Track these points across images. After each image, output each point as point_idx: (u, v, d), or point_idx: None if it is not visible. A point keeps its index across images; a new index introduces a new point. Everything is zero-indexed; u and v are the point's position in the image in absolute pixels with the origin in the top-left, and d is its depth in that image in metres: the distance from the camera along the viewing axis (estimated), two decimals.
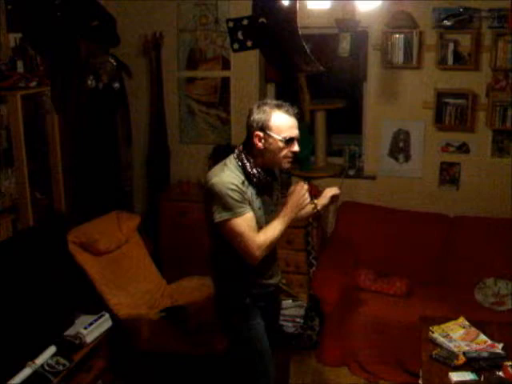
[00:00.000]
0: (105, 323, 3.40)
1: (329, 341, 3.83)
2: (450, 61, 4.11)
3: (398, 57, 4.20)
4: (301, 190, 2.50)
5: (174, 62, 4.70)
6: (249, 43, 3.07)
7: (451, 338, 2.91)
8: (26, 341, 2.97)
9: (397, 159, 4.47)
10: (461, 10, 4.02)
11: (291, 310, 4.12)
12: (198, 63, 4.68)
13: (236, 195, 2.40)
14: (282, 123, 2.45)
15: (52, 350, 3.08)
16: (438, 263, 4.12)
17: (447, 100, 4.21)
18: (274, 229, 2.47)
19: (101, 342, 3.35)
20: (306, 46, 2.77)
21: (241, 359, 2.70)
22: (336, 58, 4.27)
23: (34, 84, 3.48)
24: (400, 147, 4.44)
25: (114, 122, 4.51)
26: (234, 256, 2.49)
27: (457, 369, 2.68)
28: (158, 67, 4.65)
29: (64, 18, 2.98)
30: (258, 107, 2.47)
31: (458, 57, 4.11)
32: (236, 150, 2.55)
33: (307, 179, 4.52)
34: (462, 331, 2.98)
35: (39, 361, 2.97)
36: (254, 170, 2.48)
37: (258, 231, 2.48)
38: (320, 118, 4.59)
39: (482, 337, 2.92)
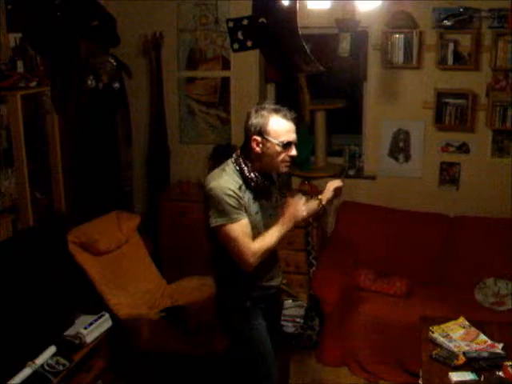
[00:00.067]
0: (105, 323, 3.40)
1: (329, 341, 3.83)
2: (450, 61, 4.11)
3: (398, 57, 4.20)
4: (298, 201, 2.52)
5: (174, 62, 4.70)
6: (249, 43, 3.07)
7: (451, 338, 2.91)
8: (26, 341, 2.97)
9: (397, 159, 4.47)
10: (461, 9, 4.02)
11: (291, 309, 4.12)
12: (198, 63, 4.68)
13: (232, 201, 2.41)
14: (279, 128, 2.46)
15: (52, 350, 3.07)
16: (437, 263, 4.12)
17: (447, 100, 4.21)
18: (271, 237, 2.49)
19: (101, 342, 3.35)
20: (306, 46, 2.77)
21: (242, 360, 2.70)
22: (336, 58, 4.26)
23: (34, 84, 3.48)
24: (400, 147, 4.44)
25: (114, 122, 4.51)
26: (232, 259, 2.50)
27: (457, 369, 2.68)
28: (158, 67, 4.65)
29: (64, 18, 2.98)
30: (256, 111, 2.48)
31: (457, 57, 4.11)
32: (234, 155, 2.56)
33: (307, 179, 4.53)
34: (461, 331, 2.98)
35: (39, 361, 2.97)
36: (252, 175, 2.49)
37: (256, 235, 2.50)
38: (320, 118, 4.59)
39: (482, 337, 2.92)
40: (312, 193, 4.11)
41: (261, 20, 2.89)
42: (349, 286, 3.90)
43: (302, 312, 4.10)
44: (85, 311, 3.44)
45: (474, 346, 2.84)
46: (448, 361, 2.73)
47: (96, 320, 3.34)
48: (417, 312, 3.43)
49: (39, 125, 3.70)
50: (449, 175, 4.39)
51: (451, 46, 4.08)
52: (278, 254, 2.80)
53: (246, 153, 2.52)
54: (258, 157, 2.49)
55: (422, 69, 4.25)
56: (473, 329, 3.00)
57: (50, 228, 3.42)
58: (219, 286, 2.71)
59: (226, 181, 2.45)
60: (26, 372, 2.88)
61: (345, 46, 4.13)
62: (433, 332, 2.96)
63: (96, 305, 3.51)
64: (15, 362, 2.89)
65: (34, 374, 2.90)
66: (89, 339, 3.24)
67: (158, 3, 4.58)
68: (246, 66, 4.54)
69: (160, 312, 3.67)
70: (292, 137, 2.49)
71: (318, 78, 4.46)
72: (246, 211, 2.48)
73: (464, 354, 2.76)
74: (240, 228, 2.43)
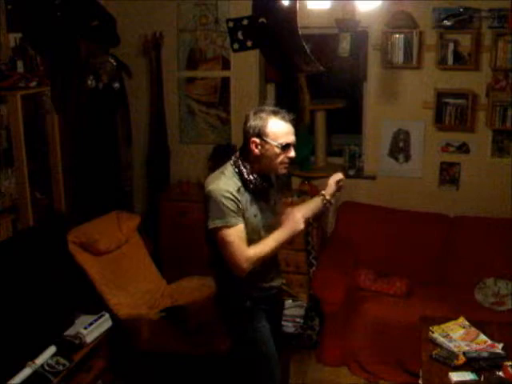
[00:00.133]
0: (105, 323, 3.40)
1: (329, 341, 3.83)
2: (450, 61, 4.11)
3: (398, 57, 4.20)
4: (296, 214, 2.51)
5: (174, 62, 4.69)
6: (249, 43, 3.07)
7: (451, 338, 2.91)
8: (26, 341, 2.97)
9: (397, 159, 4.47)
10: (461, 9, 4.02)
11: (291, 309, 4.12)
12: (198, 63, 4.68)
13: (230, 204, 2.42)
14: (278, 129, 2.47)
15: (52, 350, 3.07)
16: (438, 263, 4.12)
17: (447, 100, 4.21)
18: (267, 246, 2.49)
19: (101, 342, 3.35)
20: (306, 46, 2.78)
21: (245, 361, 2.70)
22: (336, 58, 4.26)
23: (34, 84, 3.48)
24: (400, 147, 4.45)
25: (114, 122, 4.51)
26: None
27: (457, 369, 2.69)
28: (158, 67, 4.65)
29: (64, 17, 2.99)
30: (255, 114, 2.49)
31: (458, 57, 4.11)
32: (233, 157, 2.56)
33: (307, 179, 4.53)
34: (461, 331, 2.98)
35: (39, 361, 2.96)
36: (251, 177, 2.50)
37: (256, 238, 2.51)
38: (320, 118, 4.59)
39: (482, 337, 2.92)
40: (312, 193, 4.12)
41: (261, 20, 2.89)
42: (349, 286, 3.90)
43: (302, 312, 4.10)
44: (85, 311, 3.44)
45: (474, 346, 2.84)
46: (448, 361, 2.73)
47: (96, 320, 3.34)
48: (417, 312, 3.43)
49: (39, 125, 3.70)
50: (449, 175, 4.39)
51: (451, 46, 4.08)
52: (278, 257, 2.80)
53: (245, 155, 2.53)
54: (257, 159, 2.50)
55: (421, 69, 4.26)
56: (473, 329, 3.00)
57: (50, 228, 3.42)
58: (219, 287, 2.71)
59: (225, 183, 2.46)
60: (25, 372, 2.88)
61: (345, 46, 4.13)
62: (433, 332, 2.96)
63: (96, 305, 3.51)
64: (15, 362, 2.88)
65: (34, 373, 2.90)
66: (89, 339, 3.24)
67: (158, 3, 4.58)
68: (246, 66, 4.54)
69: (160, 312, 3.67)
70: (291, 139, 2.50)
71: (318, 77, 4.46)
72: (245, 214, 2.48)
73: (464, 353, 2.76)
74: (236, 233, 2.43)
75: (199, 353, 3.44)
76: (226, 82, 4.65)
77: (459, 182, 4.38)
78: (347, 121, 4.84)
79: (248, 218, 2.50)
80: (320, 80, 4.58)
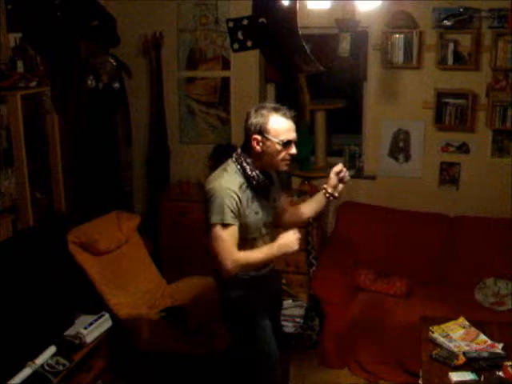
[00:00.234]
0: (105, 323, 3.40)
1: (329, 341, 3.83)
2: (450, 61, 4.11)
3: (398, 57, 4.20)
4: (293, 234, 2.50)
5: (174, 62, 4.69)
6: (249, 43, 3.07)
7: (451, 338, 2.91)
8: (26, 341, 2.97)
9: (397, 159, 4.47)
10: (461, 9, 4.02)
11: (291, 309, 4.12)
12: (198, 63, 4.68)
13: (231, 203, 2.43)
14: (279, 126, 2.47)
15: (52, 350, 3.07)
16: (438, 263, 4.12)
17: (447, 100, 4.21)
18: (255, 255, 2.50)
19: (101, 342, 3.35)
20: (306, 46, 2.78)
21: (246, 361, 2.70)
22: (336, 57, 4.26)
23: (34, 84, 3.48)
24: (400, 147, 4.44)
25: (114, 122, 4.51)
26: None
27: (457, 369, 2.69)
28: (158, 67, 4.65)
29: (64, 17, 2.99)
30: (256, 111, 2.50)
31: (457, 57, 4.11)
32: (234, 154, 2.57)
33: (307, 179, 4.53)
34: (461, 331, 2.98)
35: (39, 361, 2.97)
36: (254, 173, 2.51)
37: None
38: (320, 117, 4.59)
39: (482, 337, 2.92)
40: (312, 193, 4.11)
41: (261, 20, 2.89)
42: (349, 286, 3.90)
43: (302, 312, 4.10)
44: (85, 311, 3.44)
45: (474, 346, 2.84)
46: (448, 361, 2.73)
47: (96, 320, 3.34)
48: (417, 312, 3.43)
49: (39, 125, 3.70)
50: (449, 175, 4.39)
51: (451, 46, 4.08)
52: None
53: (247, 152, 2.53)
54: (258, 155, 2.51)
55: (422, 69, 4.25)
56: (473, 329, 3.00)
57: (50, 228, 3.42)
58: (220, 286, 2.70)
59: (227, 181, 2.47)
60: (26, 372, 2.88)
61: (345, 46, 4.13)
62: (433, 332, 2.96)
63: (96, 305, 3.51)
64: (15, 362, 2.89)
65: (34, 374, 2.90)
66: (89, 339, 3.24)
67: (158, 3, 4.58)
68: (246, 66, 4.54)
69: (160, 312, 3.67)
70: (292, 135, 2.51)
71: (318, 77, 4.46)
72: (245, 211, 2.49)
73: (464, 353, 2.76)
74: (230, 233, 2.44)
75: (199, 353, 3.44)
76: (226, 82, 4.65)
77: (459, 182, 4.38)
78: (347, 121, 4.84)
79: (249, 215, 2.50)
80: (320, 80, 4.57)
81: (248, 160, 2.51)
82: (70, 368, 3.05)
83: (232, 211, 2.43)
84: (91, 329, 3.27)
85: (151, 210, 4.72)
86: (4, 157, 3.37)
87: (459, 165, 4.35)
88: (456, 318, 3.08)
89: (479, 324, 3.04)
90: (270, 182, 2.62)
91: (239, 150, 2.56)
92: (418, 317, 3.24)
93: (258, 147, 2.49)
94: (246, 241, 2.55)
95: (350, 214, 4.42)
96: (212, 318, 2.81)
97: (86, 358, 3.23)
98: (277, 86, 4.79)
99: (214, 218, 2.43)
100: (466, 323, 3.05)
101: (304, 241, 4.18)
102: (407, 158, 4.45)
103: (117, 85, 4.19)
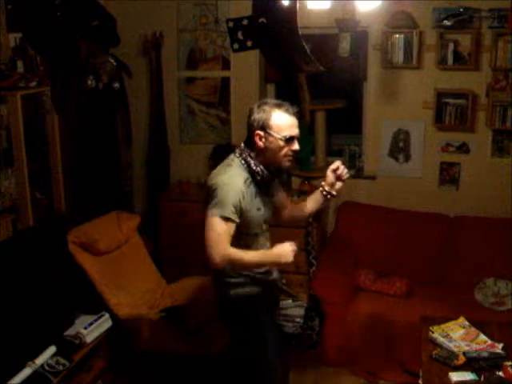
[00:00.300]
0: (105, 323, 3.40)
1: (329, 341, 3.83)
2: (450, 61, 4.11)
3: (398, 57, 4.20)
4: (289, 246, 2.50)
5: (174, 62, 4.69)
6: (249, 43, 3.07)
7: (451, 338, 2.91)
8: (26, 341, 2.97)
9: (397, 159, 4.47)
10: (461, 9, 4.02)
11: (291, 309, 4.12)
12: (198, 63, 4.68)
13: (234, 198, 2.42)
14: (282, 122, 2.47)
15: (52, 350, 3.08)
16: (437, 263, 4.12)
17: (447, 100, 4.21)
18: (248, 258, 2.48)
19: (101, 342, 3.35)
20: (306, 46, 2.77)
21: (246, 361, 2.70)
22: (336, 57, 4.26)
23: (34, 84, 3.48)
24: (400, 147, 4.44)
25: (114, 122, 4.51)
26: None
27: (457, 369, 2.69)
28: (158, 67, 4.65)
29: (64, 17, 2.99)
30: (259, 107, 2.50)
31: (458, 57, 4.11)
32: (237, 150, 2.56)
33: (307, 179, 4.53)
34: (461, 331, 2.98)
35: (39, 361, 2.97)
36: (258, 168, 2.51)
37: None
38: (320, 117, 4.59)
39: (482, 337, 2.92)
40: (312, 193, 4.11)
41: (261, 20, 2.89)
42: (349, 286, 3.90)
43: (302, 312, 4.10)
44: (85, 311, 3.44)
45: (474, 346, 2.84)
46: (448, 361, 2.73)
47: (96, 320, 3.35)
48: (417, 312, 3.43)
49: (39, 125, 3.70)
50: (449, 175, 4.39)
51: (451, 46, 4.08)
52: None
53: (250, 148, 2.53)
54: (261, 151, 2.51)
55: (422, 69, 4.25)
56: (473, 329, 3.00)
57: (50, 228, 3.42)
58: (220, 284, 2.70)
59: (232, 175, 2.47)
60: (26, 372, 2.88)
61: (345, 46, 4.12)
62: (433, 332, 2.96)
63: (96, 305, 3.51)
64: (15, 362, 2.89)
65: (34, 373, 2.90)
66: (89, 339, 3.24)
67: (158, 3, 4.58)
68: (246, 66, 4.54)
69: (160, 312, 3.67)
70: (294, 131, 2.50)
71: (318, 77, 4.45)
72: (247, 207, 2.48)
73: (464, 353, 2.76)
74: (226, 228, 2.42)
75: (199, 353, 3.44)
76: (225, 82, 4.65)
77: (459, 182, 4.38)
78: (347, 121, 4.84)
79: (251, 210, 2.50)
80: (320, 80, 4.57)
81: (252, 154, 2.51)
82: (70, 368, 3.05)
83: (233, 207, 2.42)
84: (91, 329, 3.27)
85: (151, 210, 4.72)
86: (4, 157, 3.37)
87: (459, 165, 4.35)
88: (456, 318, 3.08)
89: (479, 324, 3.04)
90: (272, 178, 2.63)
91: (242, 146, 2.56)
92: (418, 317, 3.24)
93: (260, 143, 2.49)
94: (248, 236, 2.56)
95: (349, 213, 4.42)
96: (212, 318, 2.81)
97: (86, 358, 3.23)
98: (277, 85, 4.78)
99: (215, 211, 2.41)
100: (466, 323, 3.05)
101: (304, 241, 4.18)
102: (407, 158, 4.45)
103: (117, 85, 4.19)
